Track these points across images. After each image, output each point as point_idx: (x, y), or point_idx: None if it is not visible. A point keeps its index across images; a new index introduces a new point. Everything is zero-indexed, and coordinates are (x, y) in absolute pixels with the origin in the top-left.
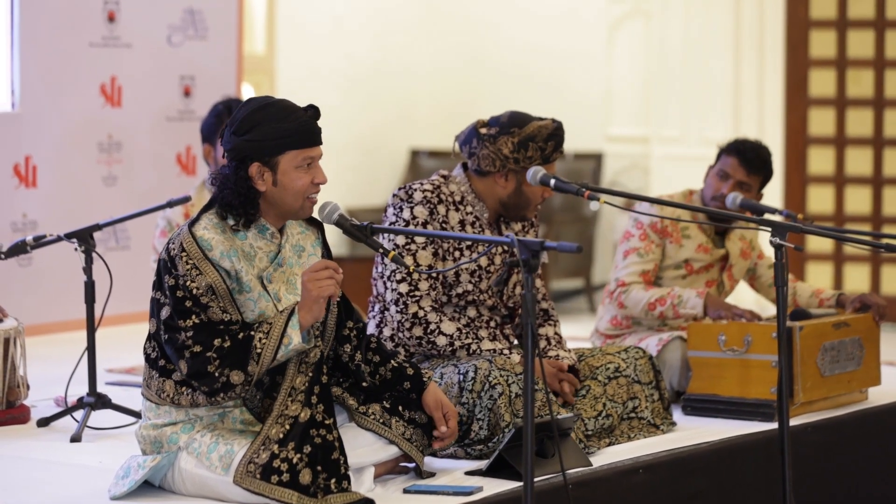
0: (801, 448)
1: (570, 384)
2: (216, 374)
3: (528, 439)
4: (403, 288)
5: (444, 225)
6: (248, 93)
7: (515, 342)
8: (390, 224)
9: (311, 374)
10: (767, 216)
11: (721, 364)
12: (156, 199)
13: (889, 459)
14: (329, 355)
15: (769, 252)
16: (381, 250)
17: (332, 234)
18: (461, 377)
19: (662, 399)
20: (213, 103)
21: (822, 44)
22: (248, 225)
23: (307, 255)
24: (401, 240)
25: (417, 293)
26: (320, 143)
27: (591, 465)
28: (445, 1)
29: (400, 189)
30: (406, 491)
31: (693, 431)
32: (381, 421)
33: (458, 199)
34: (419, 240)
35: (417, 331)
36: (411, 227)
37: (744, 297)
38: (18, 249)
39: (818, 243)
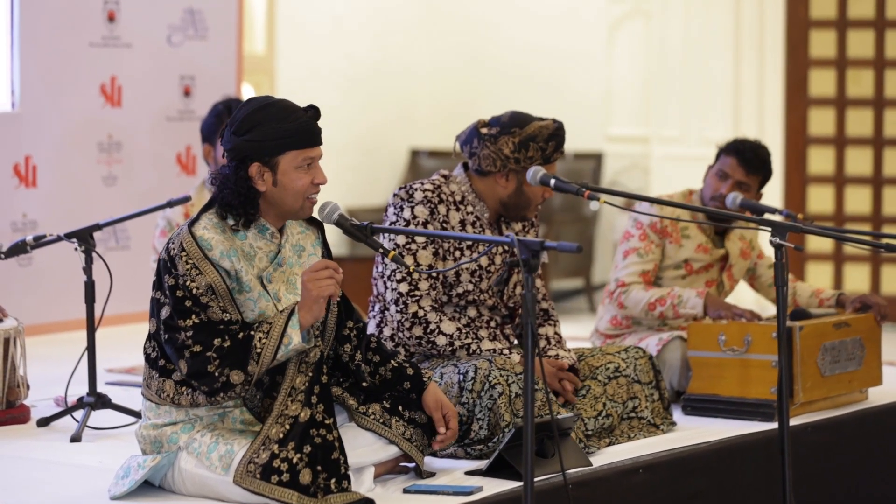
0: (800, 448)
1: (570, 382)
2: (216, 374)
3: (528, 439)
4: (403, 287)
5: (444, 225)
6: (248, 93)
7: (515, 342)
8: (391, 224)
9: (311, 374)
10: (767, 216)
11: (721, 364)
12: (156, 199)
13: (889, 459)
14: (329, 355)
15: (769, 252)
16: (381, 250)
17: (332, 233)
18: (461, 377)
19: (662, 399)
20: (213, 103)
21: (822, 44)
22: (248, 225)
23: (307, 255)
24: (401, 239)
25: (417, 293)
26: (320, 143)
27: (591, 465)
28: (445, 1)
29: (400, 189)
30: (406, 491)
31: (693, 431)
32: (381, 421)
33: (458, 198)
34: (419, 239)
35: (417, 330)
36: (412, 227)
37: (744, 297)
38: (18, 249)
39: (818, 243)
